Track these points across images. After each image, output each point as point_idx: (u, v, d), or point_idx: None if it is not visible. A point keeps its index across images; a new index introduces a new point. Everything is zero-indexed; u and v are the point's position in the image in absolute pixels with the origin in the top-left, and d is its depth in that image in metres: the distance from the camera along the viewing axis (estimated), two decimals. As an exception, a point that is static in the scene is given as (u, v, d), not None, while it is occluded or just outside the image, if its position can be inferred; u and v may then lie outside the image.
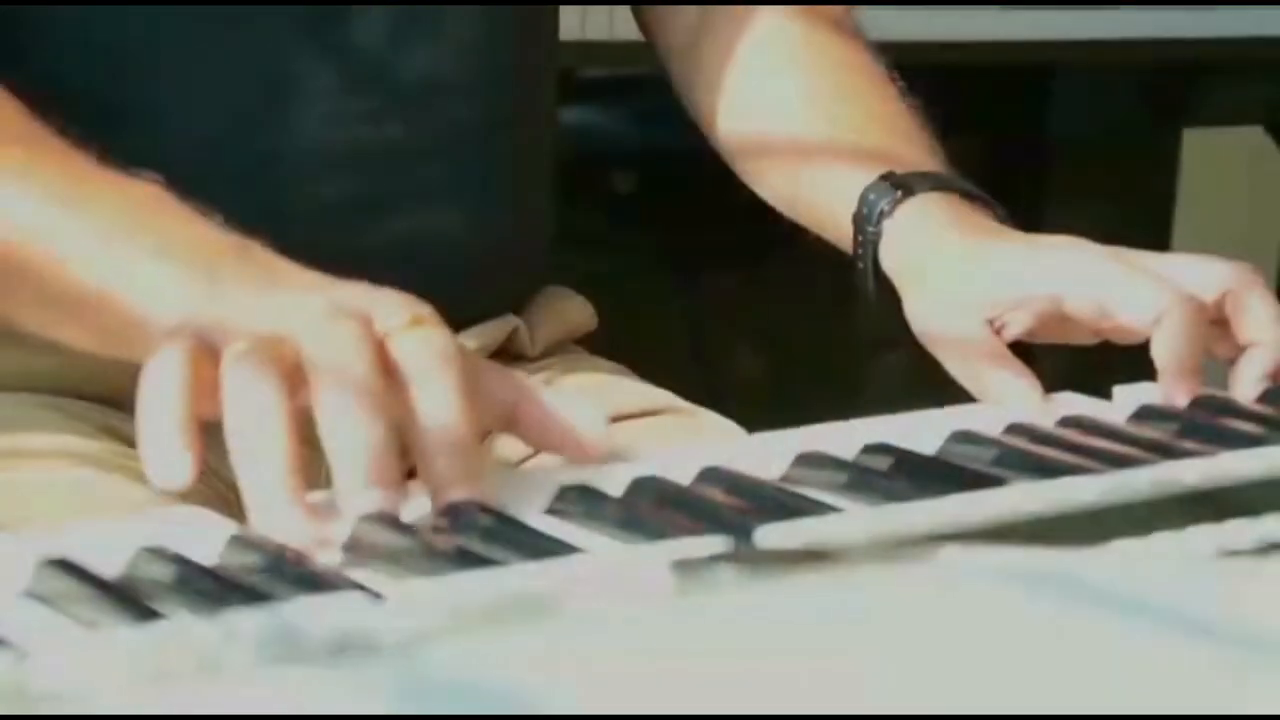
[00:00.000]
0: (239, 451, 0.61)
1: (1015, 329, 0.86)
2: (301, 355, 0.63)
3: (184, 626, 0.51)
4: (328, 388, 0.62)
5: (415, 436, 0.63)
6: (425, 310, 0.66)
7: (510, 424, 0.68)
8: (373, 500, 0.61)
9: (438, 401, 0.64)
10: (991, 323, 0.86)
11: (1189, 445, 0.75)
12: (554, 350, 1.01)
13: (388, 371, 0.64)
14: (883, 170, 0.93)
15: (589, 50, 1.54)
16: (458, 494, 0.63)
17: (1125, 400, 0.83)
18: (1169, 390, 0.83)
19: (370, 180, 0.91)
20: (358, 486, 0.61)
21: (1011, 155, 1.99)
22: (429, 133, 0.93)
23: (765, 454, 0.72)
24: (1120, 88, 2.03)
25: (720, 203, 1.76)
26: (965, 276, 0.87)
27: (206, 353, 0.64)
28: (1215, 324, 0.85)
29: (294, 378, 0.63)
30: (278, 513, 0.60)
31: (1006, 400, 0.83)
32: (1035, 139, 2.01)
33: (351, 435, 0.61)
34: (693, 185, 1.83)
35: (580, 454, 0.69)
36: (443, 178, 0.93)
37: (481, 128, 0.95)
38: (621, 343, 1.04)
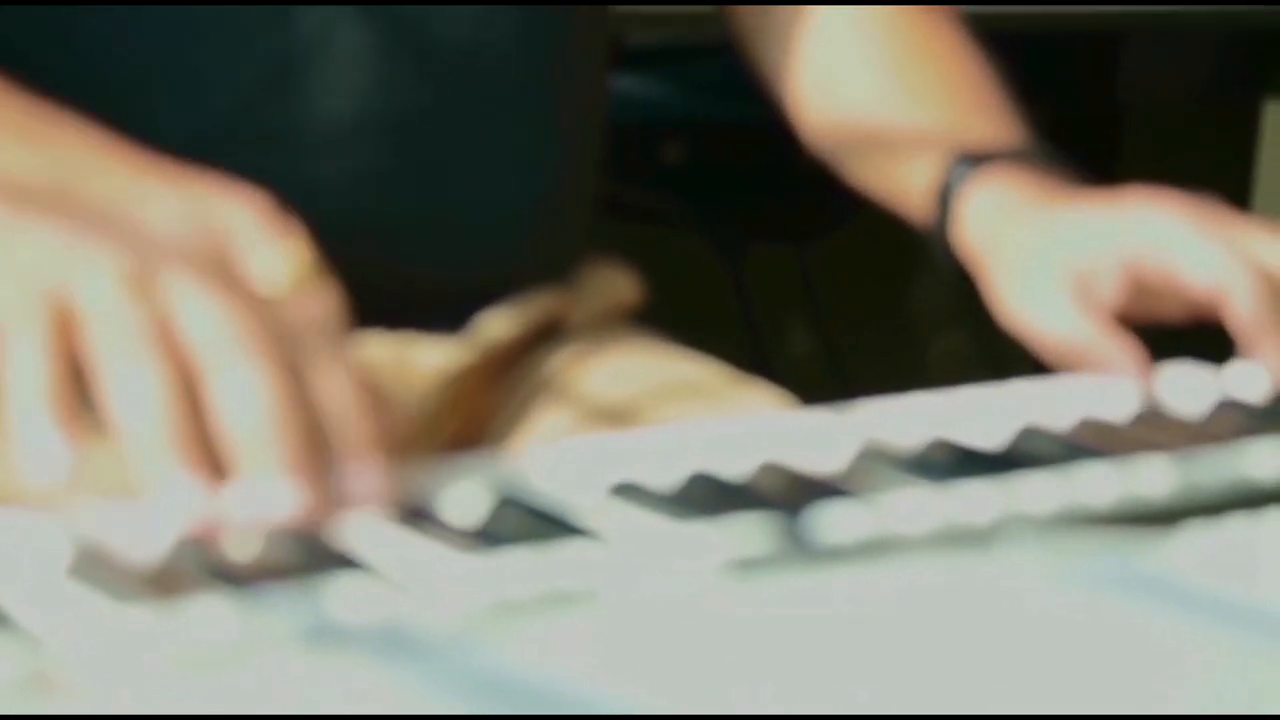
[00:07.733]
0: (128, 434, 0.59)
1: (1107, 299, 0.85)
2: (169, 319, 0.60)
3: (218, 613, 0.51)
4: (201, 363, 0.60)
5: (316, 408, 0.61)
6: (298, 254, 0.64)
7: None
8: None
9: (329, 374, 0.62)
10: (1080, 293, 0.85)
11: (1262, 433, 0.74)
12: (601, 324, 1.00)
13: (274, 336, 0.61)
14: (960, 143, 0.93)
15: (640, 20, 1.53)
16: (362, 456, 0.61)
17: (1236, 373, 0.82)
18: (1257, 349, 0.81)
19: (407, 146, 0.90)
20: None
21: (1086, 126, 1.98)
22: (468, 98, 0.91)
23: (823, 433, 0.71)
24: (1199, 56, 2.01)
25: (771, 174, 1.75)
26: (1039, 253, 0.87)
27: (63, 318, 0.61)
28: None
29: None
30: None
31: (1112, 369, 0.82)
32: (1110, 109, 2.00)
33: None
34: (743, 156, 1.82)
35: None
36: (482, 144, 0.92)
37: (522, 93, 0.93)
38: (670, 316, 1.04)
